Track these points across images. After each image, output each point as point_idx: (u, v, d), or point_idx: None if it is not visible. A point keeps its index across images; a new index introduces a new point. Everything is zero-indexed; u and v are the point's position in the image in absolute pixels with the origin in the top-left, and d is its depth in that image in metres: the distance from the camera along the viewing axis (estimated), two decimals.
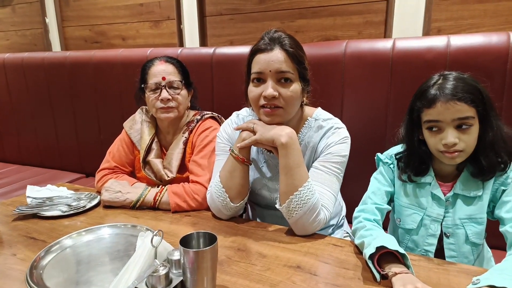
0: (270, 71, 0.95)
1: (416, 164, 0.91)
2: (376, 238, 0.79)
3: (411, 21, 1.55)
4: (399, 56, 1.32)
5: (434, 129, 0.85)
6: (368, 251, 0.77)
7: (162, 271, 0.68)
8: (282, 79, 0.96)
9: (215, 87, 1.67)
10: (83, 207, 1.14)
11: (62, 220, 1.09)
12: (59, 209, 1.13)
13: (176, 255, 0.71)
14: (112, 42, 2.37)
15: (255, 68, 0.98)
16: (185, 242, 0.70)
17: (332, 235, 1.19)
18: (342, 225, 1.26)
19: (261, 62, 0.96)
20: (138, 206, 1.15)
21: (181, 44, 2.10)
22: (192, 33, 2.03)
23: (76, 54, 2.02)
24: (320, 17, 1.77)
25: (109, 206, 1.16)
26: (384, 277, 0.75)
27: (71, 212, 1.12)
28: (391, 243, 0.75)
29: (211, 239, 0.71)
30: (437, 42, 1.27)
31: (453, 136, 0.82)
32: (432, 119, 0.84)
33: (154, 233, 0.72)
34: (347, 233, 1.26)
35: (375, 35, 1.68)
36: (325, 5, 1.74)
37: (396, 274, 0.72)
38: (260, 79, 0.98)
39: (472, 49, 1.23)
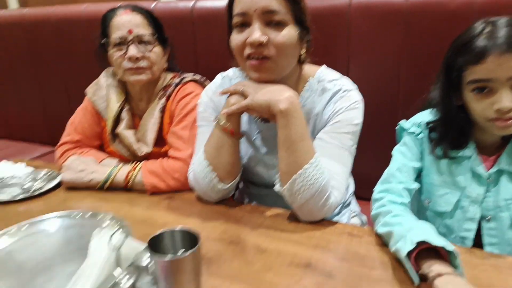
0: (255, 11, 0.73)
1: (455, 135, 0.73)
2: (410, 229, 0.61)
3: None
4: (415, 5, 1.11)
5: (484, 90, 0.66)
6: (403, 246, 0.59)
7: (126, 284, 0.49)
8: (271, 21, 0.75)
9: (198, 47, 1.43)
10: (39, 189, 0.94)
11: (16, 205, 0.91)
12: (9, 193, 0.93)
13: (146, 260, 0.52)
14: None
15: (236, 9, 0.76)
16: (157, 243, 0.51)
17: (338, 216, 1.02)
18: (349, 204, 1.09)
19: (243, 0, 0.75)
20: (107, 188, 0.94)
21: None
22: None
23: (35, 11, 1.73)
24: None
25: (73, 187, 0.96)
26: (422, 278, 0.58)
27: (24, 196, 0.92)
28: (434, 237, 0.58)
29: (191, 238, 0.52)
30: None
31: (510, 99, 0.63)
32: (481, 78, 0.65)
33: (114, 231, 0.52)
34: (355, 213, 1.09)
35: None
36: None
37: (440, 275, 0.55)
38: (244, 23, 0.76)
39: None
